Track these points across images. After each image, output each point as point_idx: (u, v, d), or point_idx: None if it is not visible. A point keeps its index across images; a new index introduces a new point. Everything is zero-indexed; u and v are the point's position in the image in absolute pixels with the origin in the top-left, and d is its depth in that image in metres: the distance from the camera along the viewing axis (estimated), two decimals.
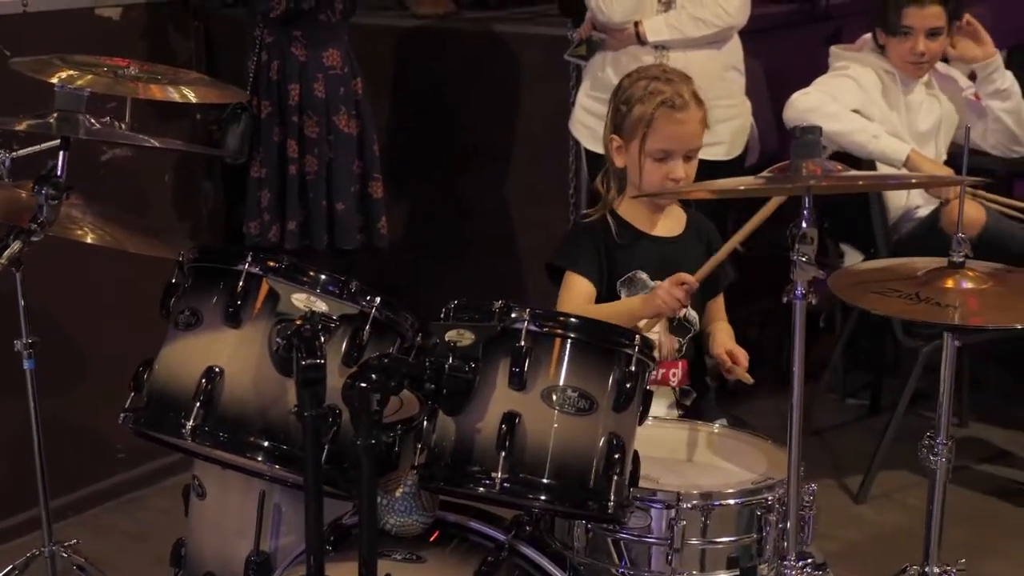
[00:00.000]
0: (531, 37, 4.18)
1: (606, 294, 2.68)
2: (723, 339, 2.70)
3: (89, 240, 2.47)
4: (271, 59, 3.51)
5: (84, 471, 3.68)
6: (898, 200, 3.82)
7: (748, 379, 2.61)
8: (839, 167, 2.04)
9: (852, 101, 3.65)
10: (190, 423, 2.08)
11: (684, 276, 2.53)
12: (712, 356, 2.71)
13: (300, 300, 2.10)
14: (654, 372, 2.25)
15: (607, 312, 2.55)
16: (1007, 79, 3.76)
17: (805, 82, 3.77)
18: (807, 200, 1.96)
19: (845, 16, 4.56)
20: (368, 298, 2.14)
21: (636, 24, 3.57)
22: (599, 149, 3.63)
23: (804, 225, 1.95)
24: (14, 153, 2.74)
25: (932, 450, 2.37)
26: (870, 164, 3.59)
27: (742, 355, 2.63)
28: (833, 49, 3.89)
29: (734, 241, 2.57)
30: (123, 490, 3.80)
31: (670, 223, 2.78)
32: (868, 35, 3.83)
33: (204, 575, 2.42)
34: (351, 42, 3.59)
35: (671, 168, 2.62)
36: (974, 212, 3.52)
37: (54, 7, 3.49)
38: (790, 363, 2.03)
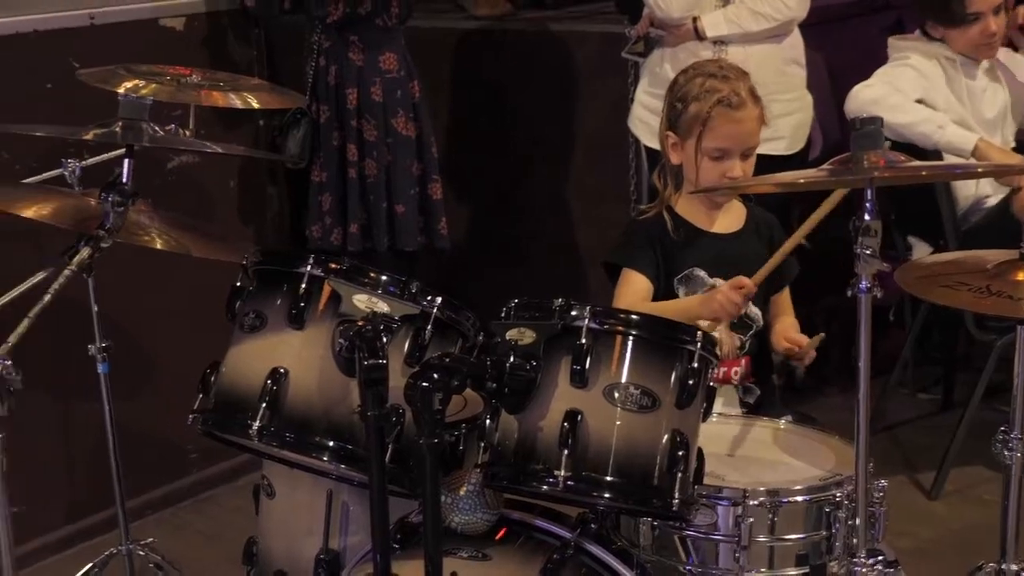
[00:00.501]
0: (588, 35, 4.16)
1: (663, 291, 2.66)
2: (785, 327, 2.68)
3: (157, 246, 2.49)
4: (329, 64, 3.52)
5: (159, 471, 3.72)
6: (966, 190, 3.76)
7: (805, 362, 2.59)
8: (902, 158, 2.01)
9: (915, 91, 3.61)
10: (256, 424, 2.10)
11: (743, 280, 2.50)
12: (777, 352, 2.68)
13: (362, 301, 2.11)
14: (717, 373, 2.23)
15: (663, 311, 2.51)
16: None
17: (867, 74, 3.73)
18: (869, 192, 1.94)
19: (905, 6, 4.48)
20: (429, 298, 2.14)
21: (694, 19, 3.55)
22: (659, 146, 3.62)
23: (867, 217, 1.92)
24: (84, 162, 2.78)
25: (1007, 445, 2.32)
26: (936, 155, 3.54)
27: (807, 343, 2.59)
28: (891, 40, 3.85)
29: (793, 240, 2.53)
30: (197, 490, 3.84)
31: (729, 219, 2.74)
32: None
33: (275, 573, 2.44)
34: (408, 45, 3.59)
35: (728, 167, 2.59)
36: None
37: (120, 19, 3.53)
38: (856, 358, 2.00)
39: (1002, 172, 3.46)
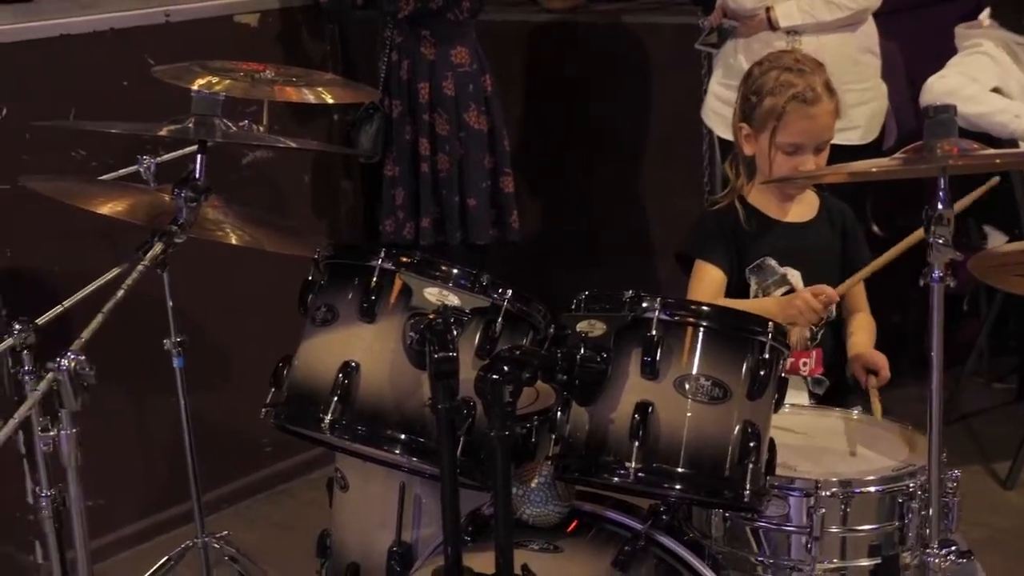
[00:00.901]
0: (661, 27, 4.15)
1: (736, 281, 2.64)
2: (860, 347, 2.63)
3: (231, 241, 2.51)
4: (401, 59, 3.54)
5: (235, 465, 3.77)
6: None
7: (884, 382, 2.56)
8: (975, 145, 1.98)
9: (991, 79, 3.56)
10: (328, 417, 2.11)
11: (825, 288, 2.49)
12: (853, 363, 2.64)
13: (433, 294, 2.12)
14: (787, 365, 2.21)
15: (744, 308, 2.49)
16: None
17: (944, 62, 3.68)
18: (943, 180, 1.91)
19: None
20: (500, 291, 2.15)
21: (767, 10, 3.52)
22: (732, 137, 3.60)
23: (940, 206, 1.90)
24: (159, 159, 2.81)
25: None
26: (1012, 143, 3.49)
27: (883, 365, 2.56)
28: (958, 29, 3.80)
29: (881, 261, 2.52)
30: (272, 483, 3.88)
31: (802, 209, 2.71)
32: (986, 12, 3.73)
33: (348, 565, 2.44)
34: (480, 39, 3.59)
35: (801, 161, 2.58)
36: None
37: (194, 16, 3.57)
38: (929, 348, 1.97)
39: None
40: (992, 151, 2.19)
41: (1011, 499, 3.63)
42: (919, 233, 2.07)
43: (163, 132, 2.34)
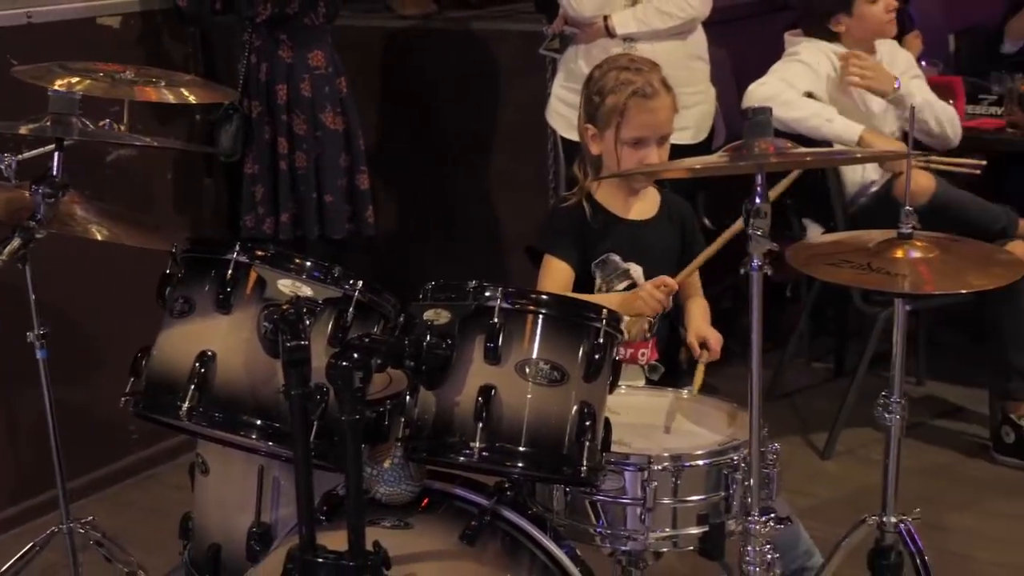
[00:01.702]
0: (508, 33, 4.16)
1: (581, 275, 2.65)
2: (697, 323, 2.68)
3: (95, 236, 2.45)
4: (260, 61, 3.49)
5: (101, 452, 3.69)
6: (854, 176, 3.81)
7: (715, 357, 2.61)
8: (789, 145, 2.03)
9: (805, 85, 3.65)
10: (186, 404, 2.06)
11: (666, 279, 2.53)
12: (688, 341, 2.68)
13: (286, 286, 2.09)
14: (623, 352, 2.24)
15: (605, 303, 2.51)
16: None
17: (768, 69, 3.75)
18: (759, 177, 1.94)
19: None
20: (351, 282, 2.12)
21: (605, 18, 3.56)
22: (575, 137, 3.60)
23: (757, 200, 1.93)
24: (19, 156, 2.73)
25: (887, 408, 2.36)
26: (826, 144, 3.57)
27: (714, 340, 2.61)
28: (787, 35, 3.89)
29: (710, 250, 2.57)
30: (138, 468, 3.81)
31: (644, 206, 2.75)
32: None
33: (210, 546, 2.40)
34: (335, 43, 3.57)
35: (646, 154, 2.60)
36: (924, 180, 3.52)
37: (56, 18, 3.47)
38: (750, 331, 2.01)
39: (880, 158, 3.50)
40: (804, 150, 2.24)
41: (829, 468, 3.73)
42: (740, 223, 2.11)
43: (22, 131, 2.28)
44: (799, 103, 3.58)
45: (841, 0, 3.72)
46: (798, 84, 3.64)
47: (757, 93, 3.62)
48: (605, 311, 2.03)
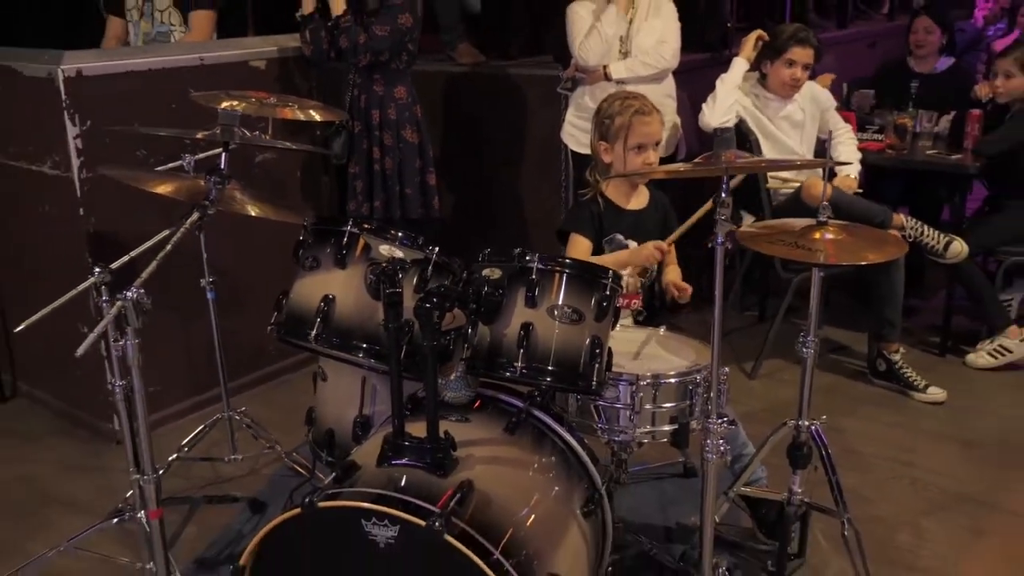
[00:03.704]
0: (534, 77, 4.10)
1: (596, 249, 2.63)
2: (674, 278, 2.64)
3: (249, 213, 2.42)
4: (360, 93, 3.44)
5: (251, 364, 3.66)
6: (776, 181, 3.73)
7: (687, 301, 2.57)
8: (746, 155, 1.97)
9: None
10: (313, 332, 2.08)
11: (661, 243, 2.52)
12: (667, 291, 2.64)
13: (385, 249, 2.10)
14: (621, 301, 2.21)
15: (611, 260, 2.52)
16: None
17: None
18: (726, 178, 1.89)
19: None
20: (430, 247, 2.13)
21: (605, 67, 3.50)
22: (581, 151, 3.58)
23: (724, 195, 1.89)
24: (196, 156, 2.71)
25: (804, 344, 2.31)
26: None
27: (687, 288, 2.58)
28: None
29: (688, 223, 2.55)
30: (276, 375, 3.77)
31: (640, 199, 2.71)
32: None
33: (326, 431, 2.40)
34: (413, 80, 3.50)
35: (645, 156, 2.58)
36: (819, 187, 3.43)
37: (221, 61, 3.42)
38: (713, 288, 1.96)
39: (805, 165, 3.43)
40: (757, 158, 2.20)
41: (755, 386, 3.68)
42: (707, 206, 2.06)
43: (199, 136, 2.26)
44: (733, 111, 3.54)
45: (770, 53, 3.64)
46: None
47: (707, 113, 3.55)
48: (611, 272, 1.99)
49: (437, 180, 3.57)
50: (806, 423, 2.37)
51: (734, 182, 2.54)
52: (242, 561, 1.81)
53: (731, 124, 3.53)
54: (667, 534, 2.68)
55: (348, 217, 2.21)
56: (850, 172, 3.70)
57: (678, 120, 3.71)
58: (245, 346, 3.50)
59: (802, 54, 3.61)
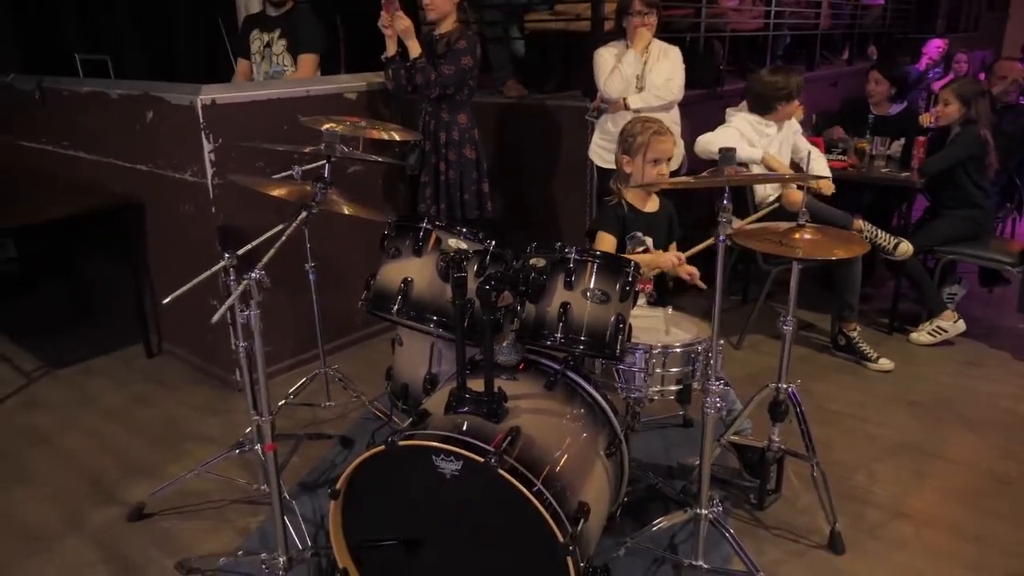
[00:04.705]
0: (566, 107, 4.00)
1: (619, 245, 2.56)
2: (686, 267, 2.56)
3: (344, 212, 2.38)
4: (430, 119, 3.38)
5: (343, 330, 3.64)
6: (762, 191, 3.62)
7: (701, 284, 2.47)
8: (743, 170, 1.89)
9: (729, 140, 3.46)
10: (395, 307, 2.04)
11: (680, 254, 2.46)
12: (679, 274, 2.55)
13: (453, 242, 2.05)
14: (639, 286, 2.14)
15: (637, 260, 2.40)
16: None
17: (709, 130, 3.58)
18: (727, 188, 1.82)
19: (728, 97, 4.35)
20: (488, 240, 2.07)
21: (624, 99, 3.41)
22: (605, 166, 3.50)
23: (725, 201, 1.82)
24: (304, 167, 2.68)
25: (784, 322, 2.23)
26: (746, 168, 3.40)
27: (695, 271, 2.49)
28: (728, 109, 3.69)
29: (703, 246, 2.48)
30: (362, 339, 3.74)
31: (653, 203, 2.63)
32: (743, 103, 3.62)
33: (402, 385, 2.37)
34: (473, 109, 3.44)
35: (660, 169, 2.50)
36: (799, 196, 3.36)
37: (322, 93, 3.39)
38: (714, 276, 1.89)
39: (793, 179, 3.32)
40: (752, 172, 2.11)
41: (739, 355, 3.58)
42: (709, 241, 1.99)
43: (307, 151, 2.21)
44: (721, 142, 3.42)
45: (783, 94, 3.47)
46: (730, 137, 3.46)
47: (701, 138, 3.46)
48: (633, 263, 1.93)
49: (490, 188, 3.52)
50: (784, 386, 2.30)
51: (760, 214, 2.47)
52: (338, 486, 1.79)
53: (734, 145, 3.45)
54: (670, 472, 2.62)
55: (423, 216, 2.15)
56: (828, 181, 3.61)
57: (682, 143, 3.61)
58: (338, 316, 3.48)
59: (789, 111, 3.54)
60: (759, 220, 2.42)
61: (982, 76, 5.84)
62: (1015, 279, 3.58)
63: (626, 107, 3.41)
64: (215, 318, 1.67)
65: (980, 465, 2.70)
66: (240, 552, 2.15)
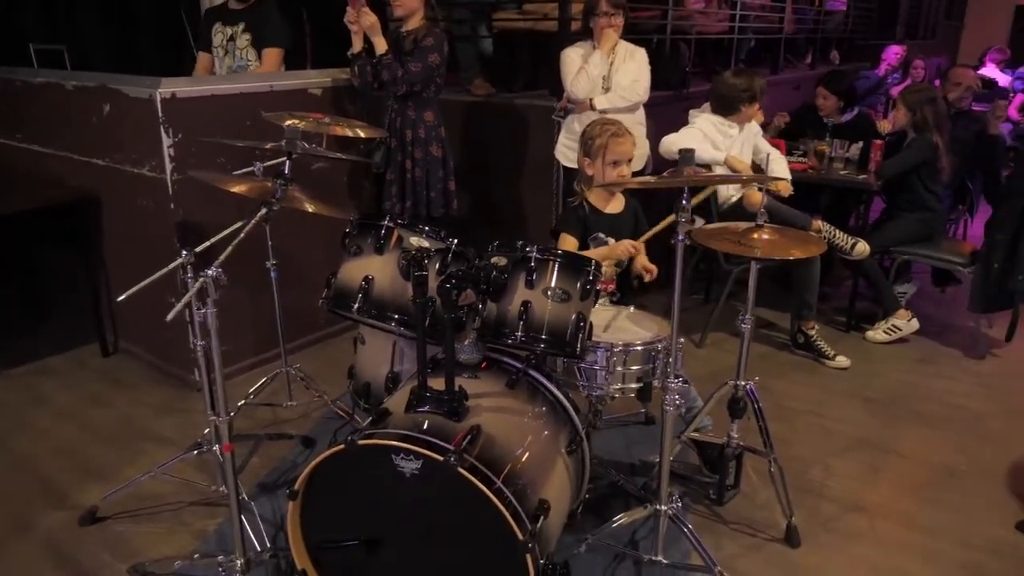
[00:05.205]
0: (534, 106, 4.02)
1: (582, 246, 2.57)
2: (643, 260, 2.58)
3: (308, 209, 2.36)
4: (396, 116, 3.36)
5: (305, 329, 3.59)
6: (725, 191, 3.67)
7: (654, 279, 2.51)
8: (703, 171, 1.91)
9: (697, 139, 3.51)
10: (355, 305, 2.02)
11: (634, 242, 2.47)
12: (638, 272, 2.58)
13: (415, 240, 2.03)
14: (600, 285, 2.16)
15: (594, 254, 2.45)
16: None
17: (673, 130, 3.62)
18: (686, 189, 1.84)
19: (693, 99, 4.39)
20: (450, 239, 2.06)
21: (591, 100, 3.42)
22: (571, 166, 3.51)
23: (684, 201, 1.83)
24: (265, 163, 2.63)
25: (743, 320, 2.26)
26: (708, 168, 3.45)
27: (654, 269, 2.52)
28: (691, 111, 3.73)
29: (656, 229, 2.49)
30: (324, 339, 3.71)
31: (616, 204, 2.64)
32: (706, 104, 3.67)
33: (364, 384, 2.35)
34: (440, 107, 3.42)
35: (620, 170, 2.51)
36: (759, 197, 3.40)
37: (286, 88, 3.34)
38: (673, 276, 1.91)
39: (750, 180, 3.37)
40: (710, 173, 2.13)
41: (701, 353, 3.63)
42: (671, 218, 2.00)
43: (268, 147, 2.18)
44: (685, 143, 3.47)
45: (745, 96, 3.53)
46: (693, 138, 3.50)
47: (665, 139, 3.50)
48: (593, 262, 1.93)
49: (456, 186, 3.51)
50: (743, 383, 2.33)
51: (699, 197, 2.51)
52: (296, 486, 1.77)
53: (696, 146, 3.49)
54: (632, 469, 2.64)
55: (385, 214, 2.13)
56: (786, 182, 3.67)
57: (647, 143, 3.64)
58: (300, 315, 3.44)
59: (751, 112, 3.59)
60: (662, 228, 2.47)
61: (937, 82, 5.99)
62: (966, 279, 3.67)
63: (592, 108, 3.43)
64: (170, 316, 1.64)
65: (932, 459, 2.77)
66: (196, 555, 2.11)
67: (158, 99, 2.89)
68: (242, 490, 2.21)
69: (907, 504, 2.51)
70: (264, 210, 1.97)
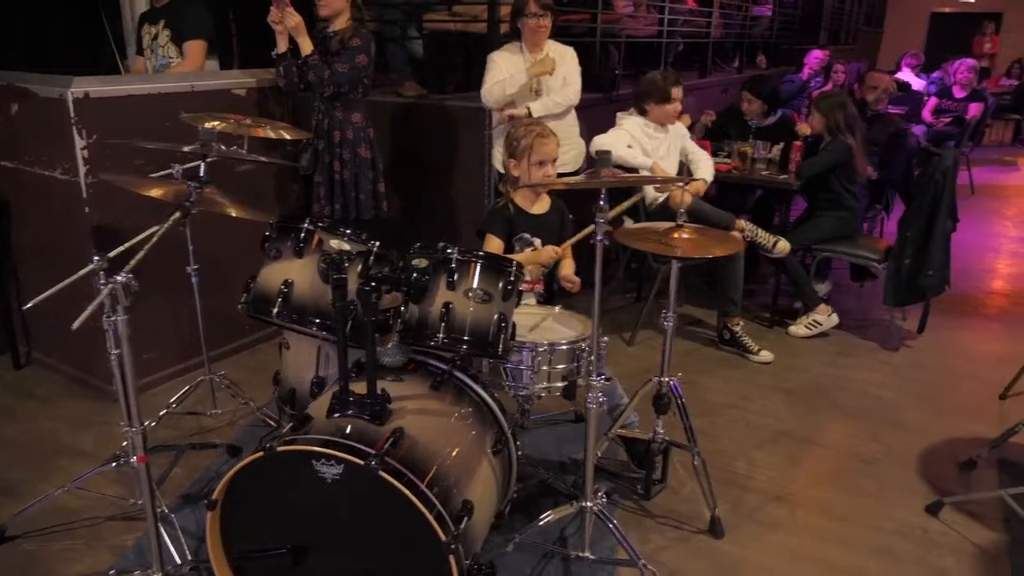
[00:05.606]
0: (467, 108, 4.00)
1: (507, 246, 2.59)
2: (568, 272, 2.63)
3: (230, 213, 2.31)
4: (324, 118, 3.31)
5: (228, 335, 3.52)
6: (651, 192, 3.75)
7: (576, 291, 2.56)
8: (620, 172, 1.95)
9: (624, 140, 3.58)
10: (275, 309, 1.99)
11: (557, 248, 2.51)
12: (561, 279, 2.63)
13: (335, 243, 2.01)
14: (525, 285, 2.18)
15: (519, 259, 2.44)
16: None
17: (605, 131, 3.67)
18: (604, 190, 1.87)
19: (624, 100, 4.47)
20: (372, 242, 2.05)
21: (528, 108, 3.43)
22: (502, 169, 3.52)
23: (602, 202, 1.87)
24: (184, 166, 2.57)
25: (665, 318, 2.32)
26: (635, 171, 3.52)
27: (577, 281, 2.56)
28: (618, 114, 3.80)
29: (580, 235, 2.53)
30: (249, 345, 3.63)
31: (542, 204, 2.67)
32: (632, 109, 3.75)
33: (289, 390, 2.32)
34: (368, 108, 3.40)
35: (546, 171, 2.54)
36: (685, 197, 3.49)
37: (208, 88, 3.26)
38: (593, 276, 1.94)
39: (668, 181, 3.46)
40: (625, 174, 2.18)
41: (632, 352, 3.69)
42: (591, 227, 2.05)
43: (185, 150, 2.13)
44: (619, 148, 3.53)
45: (654, 95, 3.63)
46: (620, 139, 3.57)
47: (596, 140, 3.56)
48: (515, 263, 1.95)
49: (387, 188, 3.49)
50: (667, 379, 2.39)
51: (626, 204, 2.58)
52: (214, 496, 1.73)
53: (626, 147, 3.55)
54: (562, 467, 2.67)
55: (306, 216, 2.11)
56: (703, 182, 3.76)
57: (581, 143, 3.69)
58: (225, 321, 3.35)
59: (678, 92, 3.65)
60: (585, 235, 2.54)
61: (856, 86, 6.25)
62: (881, 274, 3.85)
63: (530, 115, 3.45)
64: (76, 324, 1.59)
65: (849, 448, 2.89)
66: (112, 571, 2.04)
67: (70, 99, 2.79)
68: (161, 502, 2.15)
69: (825, 492, 2.61)
70: (178, 213, 1.93)
